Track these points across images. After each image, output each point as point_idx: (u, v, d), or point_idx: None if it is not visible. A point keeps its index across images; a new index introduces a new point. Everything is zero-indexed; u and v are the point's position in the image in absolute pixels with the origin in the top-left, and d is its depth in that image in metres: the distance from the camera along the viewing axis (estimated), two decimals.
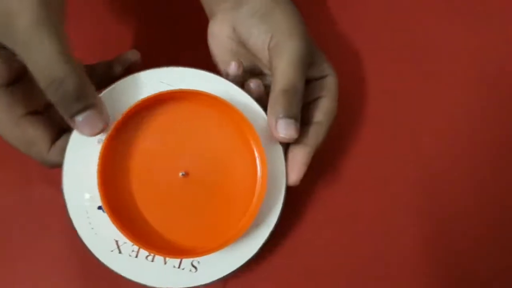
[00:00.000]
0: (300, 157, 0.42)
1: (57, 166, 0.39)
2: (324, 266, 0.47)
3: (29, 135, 0.38)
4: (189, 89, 0.40)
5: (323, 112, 0.44)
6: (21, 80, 0.39)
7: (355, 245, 0.48)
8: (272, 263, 0.46)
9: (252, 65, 0.46)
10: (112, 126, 0.38)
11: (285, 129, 0.41)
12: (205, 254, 0.39)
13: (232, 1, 0.44)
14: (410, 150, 0.50)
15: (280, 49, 0.42)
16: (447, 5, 0.55)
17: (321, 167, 0.49)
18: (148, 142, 0.40)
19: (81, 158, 0.39)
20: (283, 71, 0.41)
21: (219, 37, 0.46)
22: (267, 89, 0.44)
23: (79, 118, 0.36)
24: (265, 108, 0.42)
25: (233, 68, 0.44)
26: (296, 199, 0.48)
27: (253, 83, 0.43)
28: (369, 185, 0.49)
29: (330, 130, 0.45)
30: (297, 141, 0.43)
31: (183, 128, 0.41)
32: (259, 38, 0.43)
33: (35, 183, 0.46)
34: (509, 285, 0.48)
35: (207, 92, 0.40)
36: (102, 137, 0.39)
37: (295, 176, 0.42)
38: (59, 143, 0.39)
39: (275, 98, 0.41)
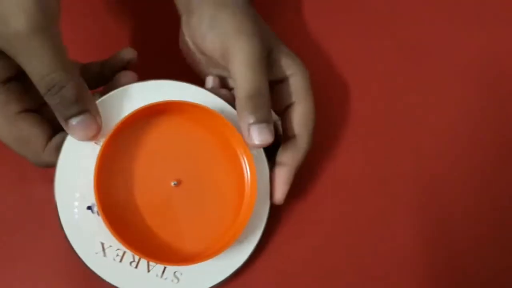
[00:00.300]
0: (283, 177, 0.43)
1: (51, 166, 0.39)
2: (312, 276, 0.46)
3: (24, 132, 0.38)
4: (182, 101, 0.40)
5: (299, 122, 0.43)
6: (17, 77, 0.39)
7: (353, 246, 0.47)
8: (256, 274, 0.46)
9: (224, 73, 0.45)
10: (112, 129, 0.39)
11: (259, 135, 0.40)
12: (188, 264, 0.40)
13: (185, 13, 0.44)
14: (409, 150, 0.50)
15: (232, 52, 0.40)
16: (446, 3, 0.54)
17: (318, 167, 0.49)
18: (141, 151, 0.41)
19: (76, 158, 0.39)
20: (242, 76, 0.40)
21: (185, 51, 0.46)
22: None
23: (73, 122, 0.37)
24: None
25: (208, 83, 0.44)
26: (291, 200, 0.47)
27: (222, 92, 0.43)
28: (367, 186, 0.49)
29: (320, 132, 0.45)
30: (278, 161, 0.43)
31: (176, 138, 0.42)
32: (212, 45, 0.42)
33: (33, 182, 0.45)
34: (509, 286, 0.47)
35: (200, 104, 0.40)
36: (100, 138, 0.39)
37: (279, 195, 0.43)
38: (53, 142, 0.39)
39: (242, 106, 0.40)
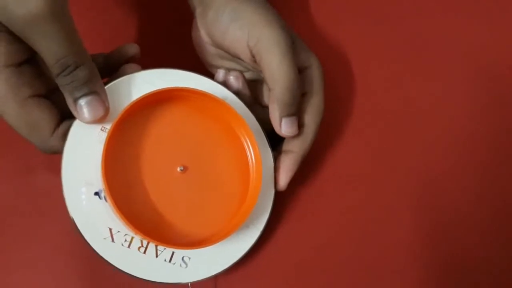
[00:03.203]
0: (288, 163, 0.43)
1: (57, 152, 0.39)
2: (316, 263, 0.46)
3: (34, 117, 0.38)
4: (188, 88, 0.40)
5: (309, 112, 0.44)
6: (29, 61, 0.38)
7: (356, 236, 0.47)
8: (262, 259, 0.46)
9: (236, 66, 0.46)
10: (119, 114, 0.38)
11: (289, 127, 0.42)
12: (196, 248, 0.39)
13: (201, 6, 0.43)
14: (413, 145, 0.50)
15: (265, 43, 0.40)
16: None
17: (323, 160, 0.49)
18: (148, 138, 0.40)
19: (83, 144, 0.39)
20: (279, 68, 0.40)
21: (199, 43, 0.45)
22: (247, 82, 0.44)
23: (82, 102, 0.37)
24: (246, 102, 0.43)
25: (219, 76, 0.44)
26: (297, 191, 0.47)
27: (232, 77, 0.43)
28: (370, 179, 0.49)
29: (326, 125, 0.45)
30: (285, 149, 0.44)
31: (181, 125, 0.42)
32: (234, 36, 0.42)
33: (37, 170, 0.45)
34: (509, 286, 0.47)
35: (205, 92, 0.40)
36: (106, 125, 0.39)
37: (283, 182, 0.43)
38: (61, 128, 0.39)
39: (279, 97, 0.41)
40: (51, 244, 0.44)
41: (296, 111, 0.42)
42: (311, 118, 0.44)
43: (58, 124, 0.39)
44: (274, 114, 0.42)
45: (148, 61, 0.42)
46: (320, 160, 0.49)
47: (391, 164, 0.49)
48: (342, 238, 0.47)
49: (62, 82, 0.36)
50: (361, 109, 0.50)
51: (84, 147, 0.39)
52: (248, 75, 0.46)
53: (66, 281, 0.43)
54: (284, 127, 0.42)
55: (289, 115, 0.42)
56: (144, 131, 0.40)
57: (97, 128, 0.39)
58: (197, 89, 0.40)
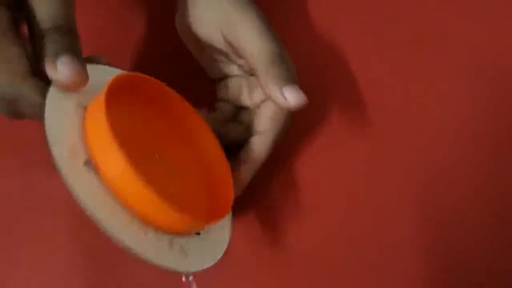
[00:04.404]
0: (241, 174, 0.40)
1: (29, 101, 0.34)
2: (315, 264, 0.44)
3: (11, 51, 0.33)
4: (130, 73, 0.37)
5: (268, 117, 0.41)
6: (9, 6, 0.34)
7: (354, 240, 0.45)
8: (261, 261, 0.44)
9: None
10: (107, 85, 0.34)
11: (297, 96, 0.37)
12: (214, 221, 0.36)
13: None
14: (413, 146, 0.48)
15: (240, 24, 0.38)
16: None
17: (316, 163, 0.47)
18: (122, 125, 0.36)
19: (61, 112, 0.34)
20: (258, 43, 0.38)
21: (182, 33, 0.44)
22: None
23: (64, 59, 0.33)
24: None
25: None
26: (287, 195, 0.46)
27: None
28: (369, 180, 0.47)
29: (323, 126, 0.45)
30: (238, 160, 0.41)
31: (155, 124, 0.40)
32: (209, 22, 0.40)
33: (38, 168, 0.45)
34: (509, 286, 0.44)
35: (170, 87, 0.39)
36: (83, 101, 0.35)
37: (238, 191, 0.40)
38: (35, 79, 0.34)
39: (268, 70, 0.37)
40: (51, 244, 0.43)
41: (296, 80, 0.38)
42: (270, 122, 0.41)
43: (31, 74, 0.34)
44: (271, 88, 0.38)
45: (149, 61, 0.43)
46: (320, 159, 0.47)
47: (391, 163, 0.47)
48: (341, 238, 0.45)
49: (51, 37, 0.33)
50: (361, 108, 0.49)
51: (63, 117, 0.34)
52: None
53: (66, 281, 0.43)
54: (289, 96, 0.37)
55: (290, 83, 0.37)
56: (120, 117, 0.37)
57: (73, 101, 0.35)
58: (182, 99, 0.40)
